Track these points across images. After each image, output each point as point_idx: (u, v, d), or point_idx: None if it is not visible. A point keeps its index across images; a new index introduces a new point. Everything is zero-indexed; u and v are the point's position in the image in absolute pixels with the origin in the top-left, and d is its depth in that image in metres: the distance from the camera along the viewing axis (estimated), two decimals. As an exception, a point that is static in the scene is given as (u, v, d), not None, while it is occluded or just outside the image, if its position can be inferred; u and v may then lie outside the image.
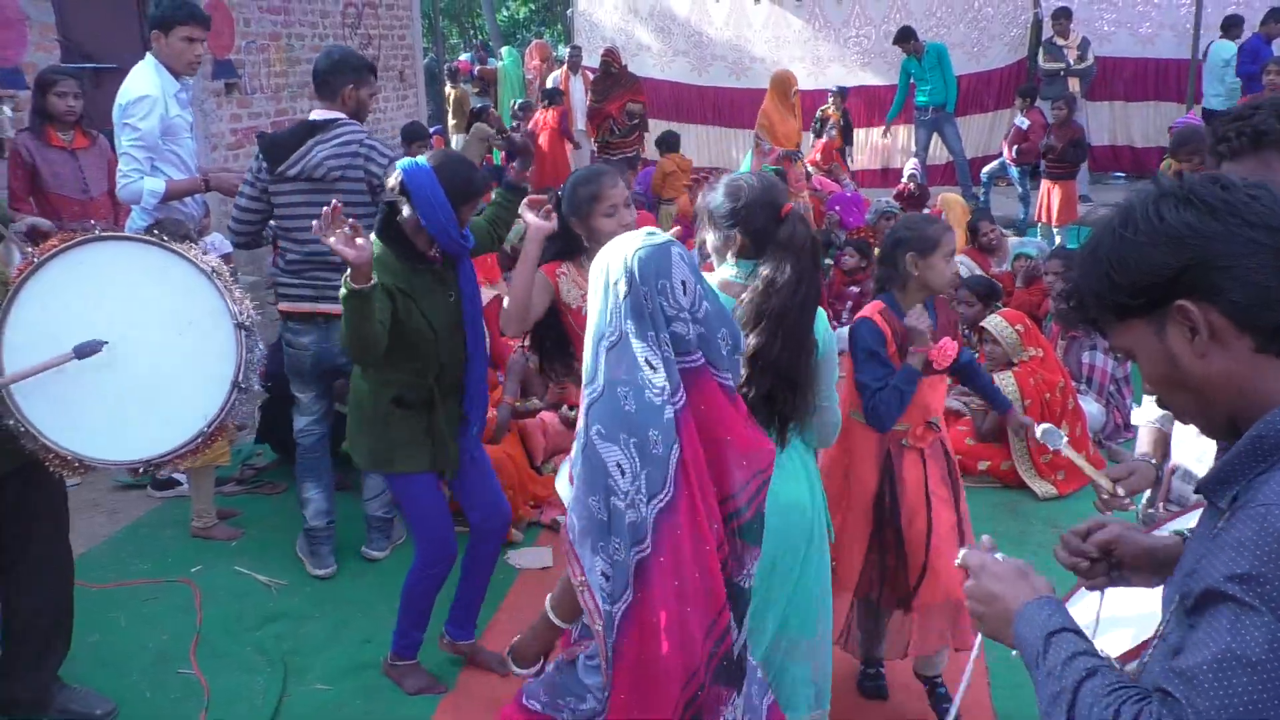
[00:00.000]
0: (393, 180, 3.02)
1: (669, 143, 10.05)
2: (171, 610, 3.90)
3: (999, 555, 1.47)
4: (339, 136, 3.85)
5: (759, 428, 2.04)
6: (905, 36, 10.95)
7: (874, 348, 2.96)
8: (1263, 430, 1.20)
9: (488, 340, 3.44)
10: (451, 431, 3.22)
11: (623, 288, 1.90)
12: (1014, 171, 10.62)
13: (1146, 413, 2.55)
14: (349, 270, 2.78)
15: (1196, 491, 1.36)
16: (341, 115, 3.92)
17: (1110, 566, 1.57)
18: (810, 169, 9.63)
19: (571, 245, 3.10)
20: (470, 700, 3.38)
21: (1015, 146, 10.28)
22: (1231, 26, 10.51)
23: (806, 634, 2.61)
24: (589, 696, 2.04)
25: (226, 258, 4.56)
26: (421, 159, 3.09)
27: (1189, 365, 1.24)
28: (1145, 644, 1.55)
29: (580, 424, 1.95)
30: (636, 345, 1.89)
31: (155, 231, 3.06)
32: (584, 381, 1.97)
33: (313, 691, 3.42)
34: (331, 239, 2.75)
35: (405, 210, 3.01)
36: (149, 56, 4.73)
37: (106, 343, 2.75)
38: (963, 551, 1.48)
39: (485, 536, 3.41)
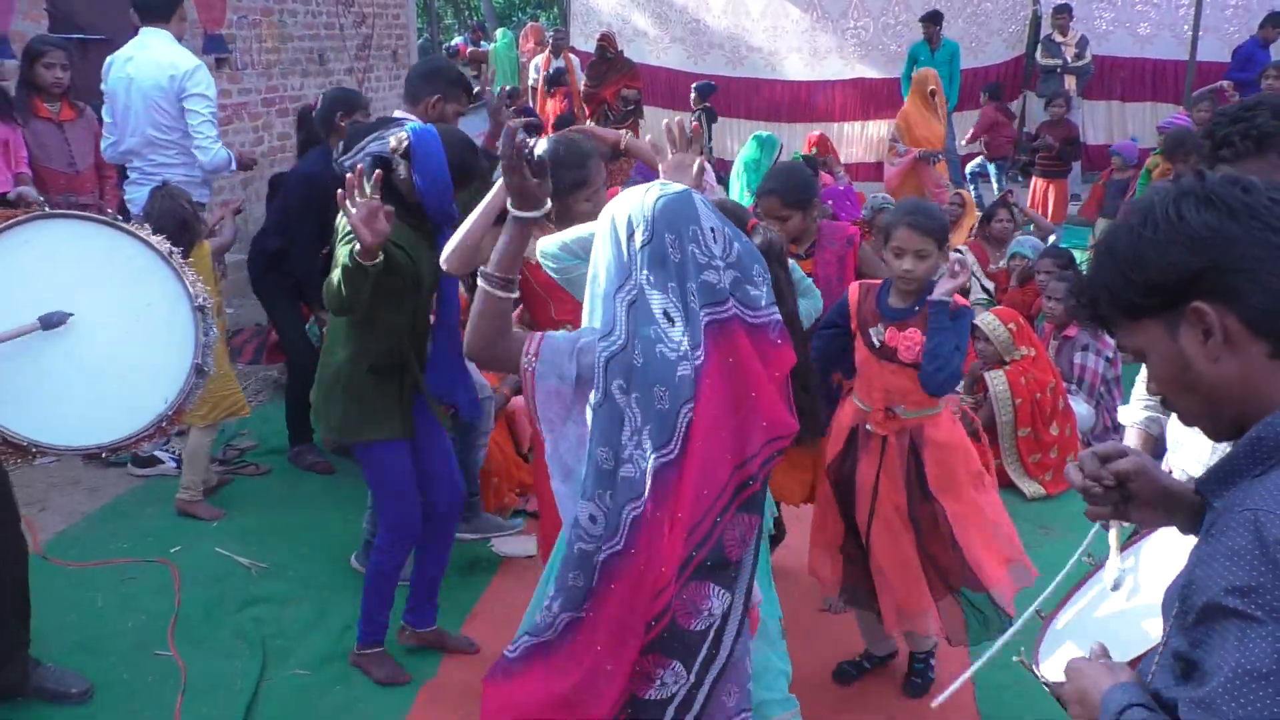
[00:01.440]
0: (396, 141, 2.96)
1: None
2: (150, 591, 3.86)
3: (1103, 660, 1.42)
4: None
5: (785, 395, 1.95)
6: (935, 19, 11.02)
7: (833, 317, 3.12)
8: (1263, 432, 1.20)
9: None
10: (413, 401, 3.17)
11: (640, 237, 1.88)
12: (991, 168, 10.76)
13: (1133, 414, 2.52)
14: (356, 243, 2.69)
15: (1196, 491, 1.32)
16: (414, 119, 3.89)
17: (1122, 498, 1.49)
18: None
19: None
20: (451, 685, 3.35)
21: (982, 139, 10.69)
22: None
23: (772, 614, 2.61)
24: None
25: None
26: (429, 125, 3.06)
27: (1200, 368, 1.23)
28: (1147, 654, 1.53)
29: (599, 376, 1.91)
30: (655, 296, 1.87)
31: (108, 211, 3.02)
32: (600, 334, 1.93)
33: (292, 677, 3.39)
34: (352, 210, 2.66)
35: (401, 171, 2.97)
36: (165, 32, 4.92)
37: (72, 314, 2.71)
38: (1069, 659, 1.44)
39: (441, 519, 3.34)
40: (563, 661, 1.96)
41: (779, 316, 1.94)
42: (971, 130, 10.86)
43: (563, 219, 2.77)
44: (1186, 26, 11.30)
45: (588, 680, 1.93)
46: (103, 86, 5.06)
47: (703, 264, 1.87)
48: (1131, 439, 2.48)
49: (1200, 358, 1.23)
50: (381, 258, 2.77)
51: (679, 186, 1.95)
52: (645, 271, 1.88)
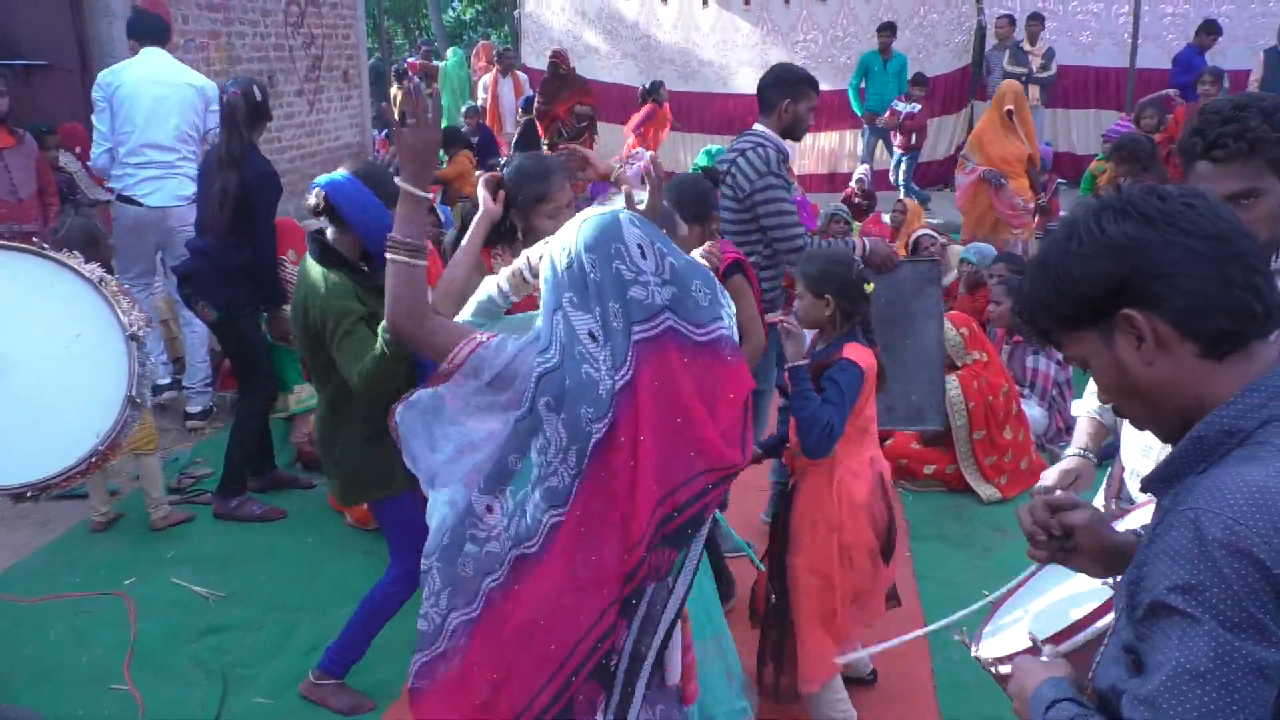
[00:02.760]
0: (312, 200, 2.90)
1: None
2: (105, 624, 3.79)
3: (1045, 658, 1.49)
4: (744, 143, 4.06)
5: (735, 419, 1.92)
6: (890, 30, 11.35)
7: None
8: (1202, 431, 1.24)
9: None
10: None
11: (563, 261, 1.90)
12: (904, 159, 10.99)
13: (1086, 404, 2.56)
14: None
15: (1142, 489, 1.36)
16: (765, 130, 4.04)
17: (1063, 548, 1.55)
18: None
19: (507, 232, 3.03)
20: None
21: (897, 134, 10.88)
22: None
23: (711, 630, 2.63)
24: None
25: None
26: (339, 173, 2.99)
27: (1137, 372, 1.27)
28: (1078, 625, 1.60)
29: (530, 390, 1.92)
30: (577, 318, 1.88)
31: (36, 241, 2.91)
32: (538, 349, 1.95)
33: (253, 705, 3.34)
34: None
35: (330, 232, 2.93)
36: (164, 51, 5.61)
37: None
38: (1016, 660, 1.52)
39: (396, 592, 3.20)
40: (465, 669, 1.97)
41: (727, 332, 1.91)
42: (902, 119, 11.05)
43: (527, 235, 2.76)
44: (1126, 34, 11.56)
45: (496, 684, 1.93)
46: (99, 97, 5.49)
47: (629, 280, 1.85)
48: (1082, 428, 2.52)
49: (1135, 363, 1.27)
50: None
51: (609, 208, 1.95)
52: (569, 294, 1.90)
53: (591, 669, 1.90)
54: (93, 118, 5.61)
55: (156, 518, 4.50)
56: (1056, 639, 1.59)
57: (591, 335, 1.88)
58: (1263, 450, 1.20)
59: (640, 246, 1.87)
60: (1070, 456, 2.48)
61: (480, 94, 12.27)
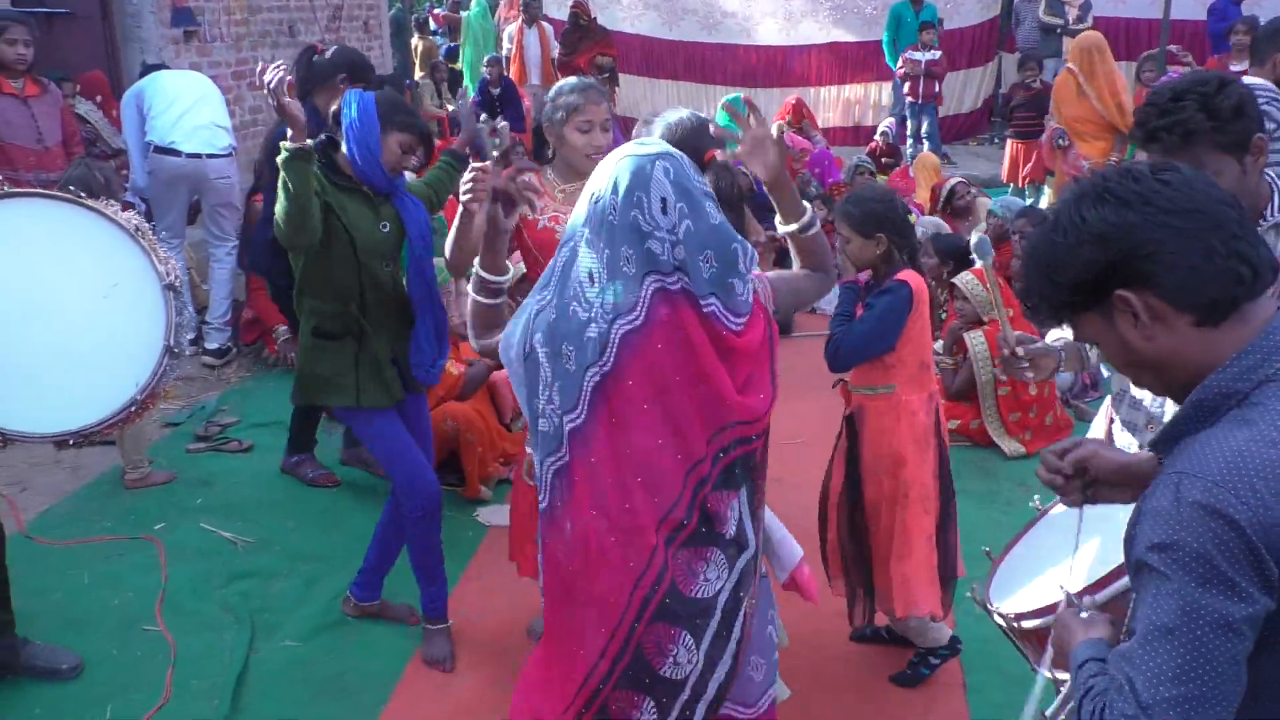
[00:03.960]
0: (334, 107, 3.01)
1: None
2: (136, 568, 3.84)
3: (1084, 613, 1.52)
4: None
5: (761, 377, 1.91)
6: None
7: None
8: (1201, 395, 1.29)
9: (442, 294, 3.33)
10: (383, 373, 3.12)
11: (591, 196, 1.89)
12: (924, 111, 10.78)
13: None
14: (289, 133, 2.76)
15: (1151, 447, 1.41)
16: (1265, 83, 3.78)
17: (1086, 484, 1.62)
18: (780, 125, 9.52)
19: (539, 153, 3.08)
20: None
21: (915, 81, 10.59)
22: None
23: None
24: None
25: None
26: (372, 91, 3.06)
27: (1140, 347, 1.32)
28: (1111, 576, 1.64)
29: (526, 331, 1.96)
30: (584, 253, 1.87)
31: (72, 189, 2.91)
32: (537, 289, 1.98)
33: (282, 649, 3.39)
34: (285, 99, 2.74)
35: (344, 145, 2.99)
36: None
37: None
38: (1060, 614, 1.55)
39: (411, 509, 3.19)
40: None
41: (719, 307, 1.85)
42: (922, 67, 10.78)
43: (561, 149, 2.95)
44: (1161, -16, 11.29)
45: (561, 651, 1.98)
46: (127, 102, 5.90)
47: (645, 232, 1.82)
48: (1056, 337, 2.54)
49: (1137, 339, 1.31)
50: (310, 144, 2.79)
51: (654, 148, 1.89)
52: (585, 229, 1.88)
53: (653, 612, 1.88)
54: (124, 130, 5.97)
55: (132, 478, 4.44)
56: (1092, 589, 1.60)
57: (590, 275, 1.86)
58: (1254, 412, 1.24)
59: (664, 200, 1.82)
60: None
61: (505, 44, 12.13)
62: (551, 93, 3.01)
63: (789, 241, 2.25)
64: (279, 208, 2.85)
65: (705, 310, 1.83)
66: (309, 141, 2.78)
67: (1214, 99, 1.94)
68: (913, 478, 2.95)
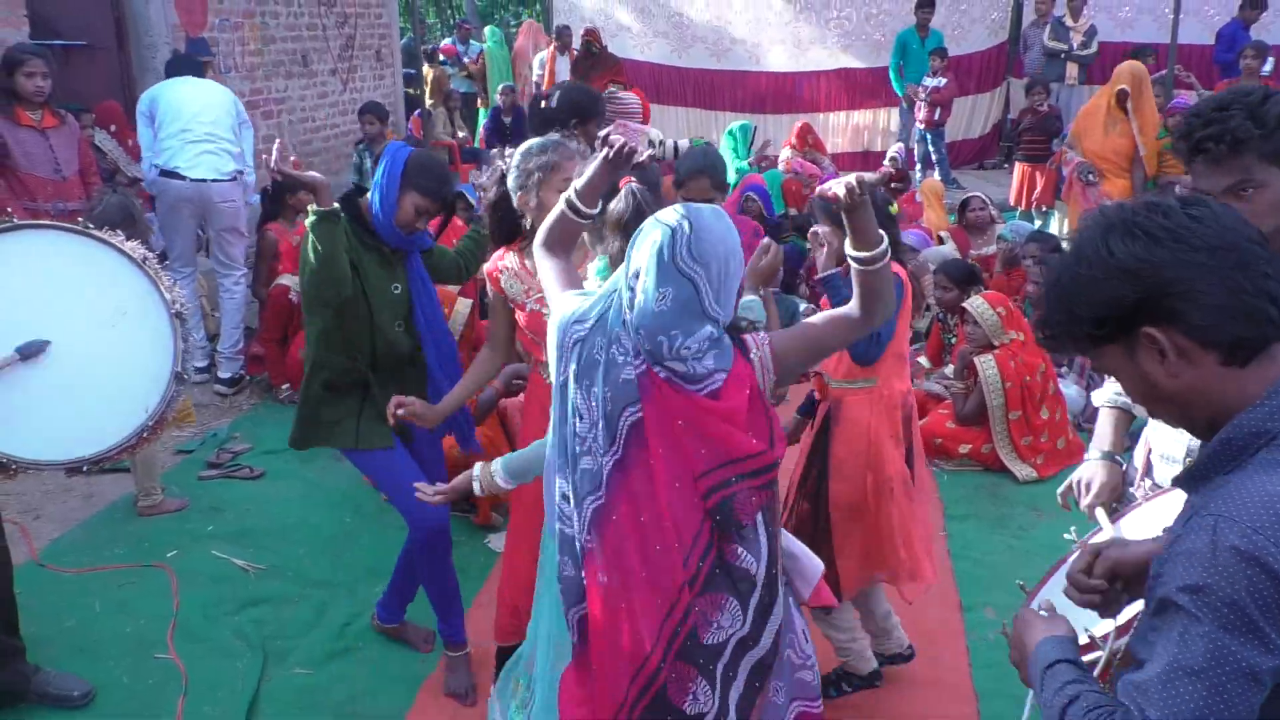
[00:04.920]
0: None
1: None
2: (148, 595, 3.86)
3: (1045, 612, 1.52)
4: None
5: (750, 423, 1.92)
6: (929, 6, 11.11)
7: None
8: (1230, 434, 1.27)
9: (453, 348, 3.33)
10: (384, 417, 3.09)
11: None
12: (927, 135, 10.83)
13: (1104, 394, 2.52)
14: (316, 195, 2.81)
15: (1174, 485, 1.39)
16: None
17: (1121, 590, 1.55)
18: (788, 151, 9.56)
19: (509, 229, 2.95)
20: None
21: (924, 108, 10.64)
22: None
23: None
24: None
25: None
26: (406, 147, 3.08)
27: (1163, 384, 1.30)
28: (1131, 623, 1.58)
29: (564, 356, 2.01)
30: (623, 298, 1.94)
31: (81, 220, 2.99)
32: (575, 320, 2.03)
33: (293, 676, 3.39)
34: (293, 172, 2.82)
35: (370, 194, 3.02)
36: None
37: (50, 342, 2.69)
38: (1019, 611, 1.55)
39: (416, 540, 3.20)
40: (586, 665, 2.02)
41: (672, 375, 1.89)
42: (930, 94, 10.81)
43: (537, 212, 2.75)
44: (1167, 10, 11.32)
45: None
46: (142, 110, 5.91)
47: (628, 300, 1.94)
48: (1105, 424, 2.47)
49: (1160, 375, 1.30)
50: (337, 207, 2.83)
51: (670, 219, 1.93)
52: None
53: (676, 652, 1.91)
54: (139, 136, 6.00)
55: (145, 505, 4.46)
56: (1117, 633, 1.58)
57: (624, 322, 1.92)
58: None
59: (638, 272, 1.89)
60: (1096, 463, 2.37)
61: (536, 69, 12.25)
62: (516, 158, 2.80)
63: (853, 270, 2.07)
64: (306, 268, 2.88)
65: (660, 376, 1.89)
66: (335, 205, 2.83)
67: (1260, 108, 1.89)
68: (893, 470, 2.96)
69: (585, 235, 2.49)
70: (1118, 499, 2.35)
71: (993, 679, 3.25)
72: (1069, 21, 11.17)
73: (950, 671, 3.34)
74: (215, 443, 5.24)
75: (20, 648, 3.17)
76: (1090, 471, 2.35)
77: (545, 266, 2.26)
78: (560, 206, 2.25)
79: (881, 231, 2.03)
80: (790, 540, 2.26)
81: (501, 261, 2.93)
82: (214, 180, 5.81)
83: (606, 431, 1.91)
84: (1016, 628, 1.51)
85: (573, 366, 1.95)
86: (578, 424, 1.95)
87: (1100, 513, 2.18)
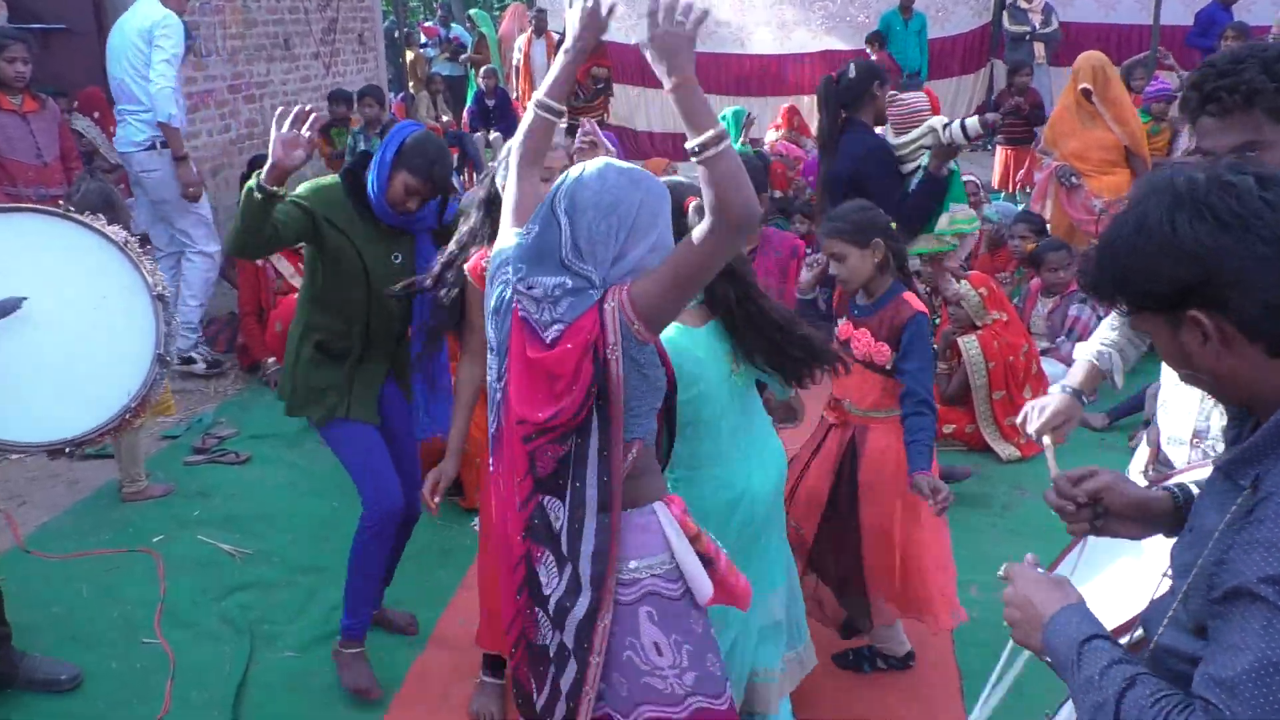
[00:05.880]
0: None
1: None
2: (134, 581, 3.86)
3: (1040, 569, 1.49)
4: None
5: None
6: None
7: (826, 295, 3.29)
8: None
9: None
10: (374, 392, 3.14)
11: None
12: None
13: (1088, 348, 2.48)
14: (265, 167, 2.70)
15: (1216, 469, 1.33)
16: None
17: (1096, 515, 1.56)
18: (773, 133, 9.56)
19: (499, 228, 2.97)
20: (439, 664, 3.38)
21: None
22: None
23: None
24: None
25: None
26: (412, 125, 3.08)
27: (1202, 363, 1.27)
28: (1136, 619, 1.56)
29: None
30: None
31: (62, 204, 2.96)
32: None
33: (281, 660, 3.41)
34: (277, 131, 2.72)
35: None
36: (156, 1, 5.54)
37: (26, 298, 2.68)
38: (1005, 564, 1.50)
39: (367, 522, 3.16)
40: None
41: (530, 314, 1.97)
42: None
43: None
44: (1149, -10, 11.36)
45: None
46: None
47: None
48: (1079, 368, 2.44)
49: (1200, 355, 1.27)
50: (282, 190, 2.74)
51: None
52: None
53: (526, 601, 2.03)
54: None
55: (130, 491, 4.46)
56: (1117, 632, 1.56)
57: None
58: None
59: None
60: (1058, 394, 2.36)
61: (515, 55, 12.18)
62: (503, 153, 2.76)
63: (699, 172, 1.91)
64: (237, 224, 2.83)
65: (520, 315, 1.98)
66: (279, 191, 2.75)
67: (1276, 63, 1.87)
68: (913, 496, 2.92)
69: None
70: (1071, 429, 2.35)
71: (978, 659, 3.28)
72: (1023, 4, 11.16)
73: (933, 650, 3.38)
74: (201, 428, 5.23)
75: (6, 633, 3.17)
76: (1046, 399, 2.35)
77: (509, 195, 2.25)
78: (531, 109, 2.29)
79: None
80: (686, 557, 2.07)
81: (485, 260, 2.91)
82: (127, 152, 5.67)
83: (497, 362, 2.04)
84: (1019, 586, 1.45)
85: (491, 301, 2.06)
86: (489, 356, 2.10)
87: (1047, 441, 2.19)
